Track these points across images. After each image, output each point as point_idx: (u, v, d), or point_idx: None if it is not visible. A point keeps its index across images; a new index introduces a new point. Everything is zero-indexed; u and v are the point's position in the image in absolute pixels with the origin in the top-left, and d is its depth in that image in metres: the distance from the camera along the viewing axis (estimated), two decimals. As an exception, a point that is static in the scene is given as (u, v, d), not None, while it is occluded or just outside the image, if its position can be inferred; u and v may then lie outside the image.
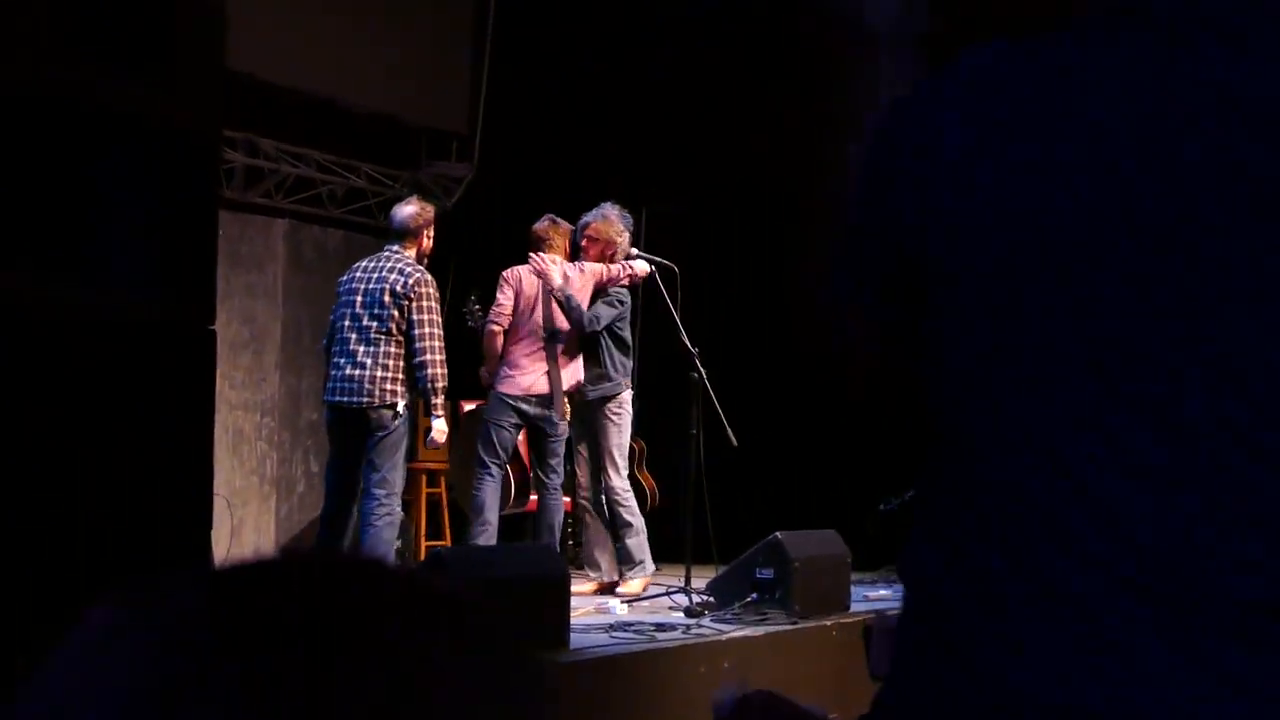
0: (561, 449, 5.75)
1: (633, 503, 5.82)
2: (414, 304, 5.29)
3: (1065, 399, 1.02)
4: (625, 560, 5.82)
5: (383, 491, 5.27)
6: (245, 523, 7.22)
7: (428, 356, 5.28)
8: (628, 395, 5.88)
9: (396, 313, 5.29)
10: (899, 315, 1.14)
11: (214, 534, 3.25)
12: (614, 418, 5.82)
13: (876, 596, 5.81)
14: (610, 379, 5.81)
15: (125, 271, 2.62)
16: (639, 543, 5.78)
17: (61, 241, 2.53)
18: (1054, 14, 1.14)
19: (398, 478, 5.36)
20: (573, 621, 4.21)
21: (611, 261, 5.85)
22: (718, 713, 1.23)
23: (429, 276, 5.45)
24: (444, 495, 7.23)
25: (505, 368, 5.67)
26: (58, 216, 2.53)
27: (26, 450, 2.29)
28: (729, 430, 5.74)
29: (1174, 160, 1.01)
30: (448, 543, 7.03)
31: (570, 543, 6.85)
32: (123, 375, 2.53)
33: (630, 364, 5.93)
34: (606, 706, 3.89)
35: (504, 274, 5.75)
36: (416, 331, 5.29)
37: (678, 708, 4.06)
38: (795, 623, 4.85)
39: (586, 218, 5.90)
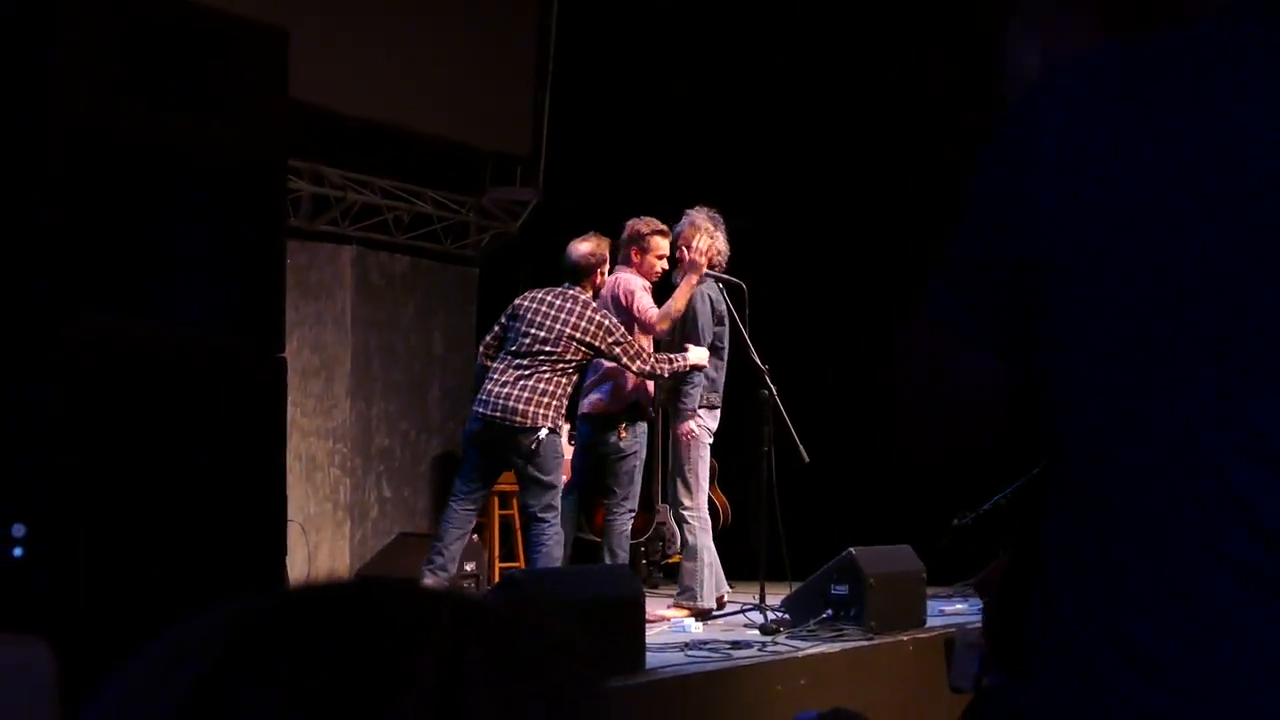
0: (622, 468, 5.70)
1: (699, 525, 5.78)
2: (602, 342, 5.46)
3: (1203, 391, 1.01)
4: (679, 583, 5.81)
5: (551, 514, 5.38)
6: (320, 548, 7.23)
7: (637, 367, 5.48)
8: (705, 414, 5.86)
9: (571, 352, 5.44)
10: (1007, 324, 1.12)
11: (289, 560, 3.31)
12: (684, 436, 5.83)
13: (953, 611, 5.76)
14: (680, 396, 5.82)
15: (198, 306, 2.74)
16: (693, 569, 5.71)
17: (138, 282, 2.63)
18: (1166, 12, 1.14)
19: (557, 497, 5.47)
20: (648, 641, 4.20)
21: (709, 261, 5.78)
22: None
23: (605, 320, 5.52)
24: (515, 517, 7.25)
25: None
26: (133, 257, 2.63)
27: (111, 481, 2.35)
28: (800, 447, 5.74)
29: None
30: (521, 565, 7.06)
31: (651, 559, 6.80)
32: (198, 406, 2.61)
33: (705, 381, 5.89)
34: (683, 726, 3.91)
35: (633, 281, 5.75)
36: (618, 362, 5.53)
37: (754, 726, 4.08)
38: (871, 639, 4.83)
39: (676, 228, 5.91)
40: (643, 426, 5.75)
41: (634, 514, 5.77)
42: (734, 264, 6.26)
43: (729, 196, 7.44)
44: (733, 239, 6.98)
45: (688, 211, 5.93)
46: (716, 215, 5.90)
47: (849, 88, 7.32)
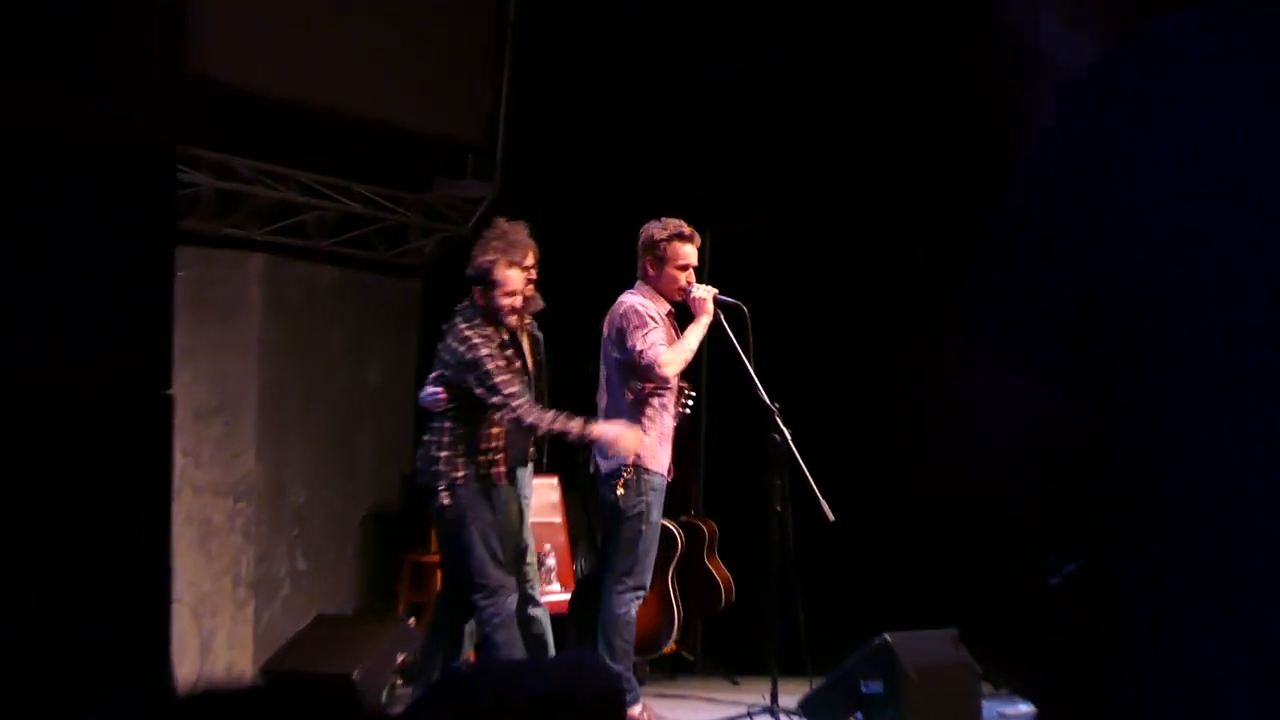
0: (623, 532, 5.74)
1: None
2: (468, 379, 5.59)
3: None
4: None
5: (483, 593, 5.59)
6: (216, 635, 7.20)
7: (501, 416, 5.59)
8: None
9: (450, 392, 5.66)
10: (1074, 351, 1.16)
11: (176, 652, 3.25)
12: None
13: (1015, 715, 5.69)
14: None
15: (59, 327, 2.69)
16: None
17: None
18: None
19: (489, 570, 5.61)
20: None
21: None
22: None
23: (470, 353, 5.62)
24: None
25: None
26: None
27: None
28: (823, 503, 5.72)
29: None
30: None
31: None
32: (56, 457, 2.55)
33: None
34: None
35: (638, 308, 5.78)
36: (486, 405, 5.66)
37: None
38: (912, 750, 4.82)
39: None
40: (654, 481, 5.75)
41: (642, 595, 5.75)
42: (733, 276, 6.27)
43: (726, 193, 7.52)
44: (733, 245, 6.96)
45: (498, 222, 5.96)
46: (517, 236, 5.88)
47: (849, 70, 7.39)
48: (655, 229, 5.88)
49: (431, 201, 8.19)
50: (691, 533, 6.71)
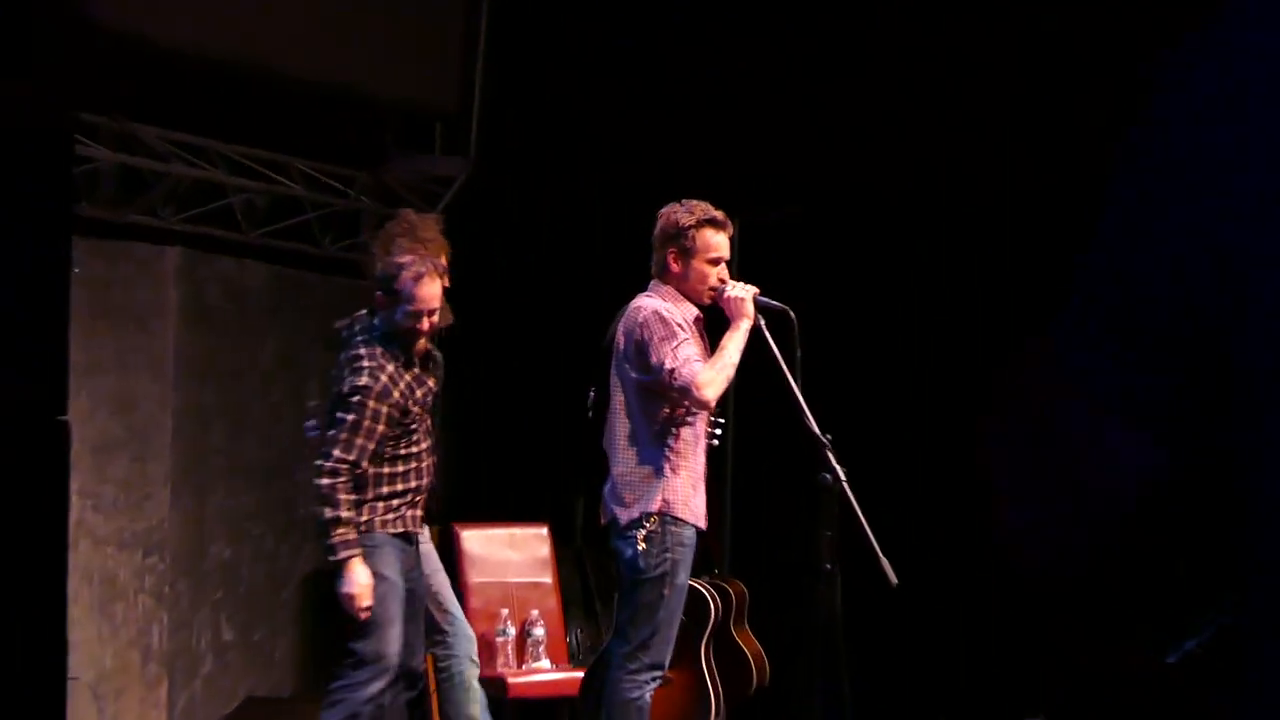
0: (639, 597, 5.71)
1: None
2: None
3: None
4: None
5: (348, 671, 5.59)
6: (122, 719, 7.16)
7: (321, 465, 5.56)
8: None
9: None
10: (1182, 402, 1.21)
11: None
12: None
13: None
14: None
15: None
16: None
17: None
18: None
19: (369, 643, 5.61)
20: None
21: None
22: None
23: (341, 384, 5.61)
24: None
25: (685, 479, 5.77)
26: None
27: None
28: (884, 563, 5.52)
29: None
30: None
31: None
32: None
33: None
34: None
35: (663, 314, 5.68)
36: None
37: None
38: None
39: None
40: (684, 534, 5.70)
41: (659, 677, 5.68)
42: (768, 275, 6.14)
43: (747, 176, 7.47)
44: (766, 237, 6.98)
45: (404, 215, 6.00)
46: (429, 234, 5.86)
47: (883, 36, 7.47)
48: (679, 214, 5.75)
49: (388, 182, 8.15)
50: (719, 598, 6.60)
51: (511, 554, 7.23)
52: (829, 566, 5.58)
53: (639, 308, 5.66)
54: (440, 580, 6.12)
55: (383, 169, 8.13)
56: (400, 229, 5.73)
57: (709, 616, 6.48)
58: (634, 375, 5.63)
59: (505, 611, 7.07)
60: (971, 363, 7.02)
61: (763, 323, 5.77)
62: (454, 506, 7.15)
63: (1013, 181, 6.97)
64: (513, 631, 7.02)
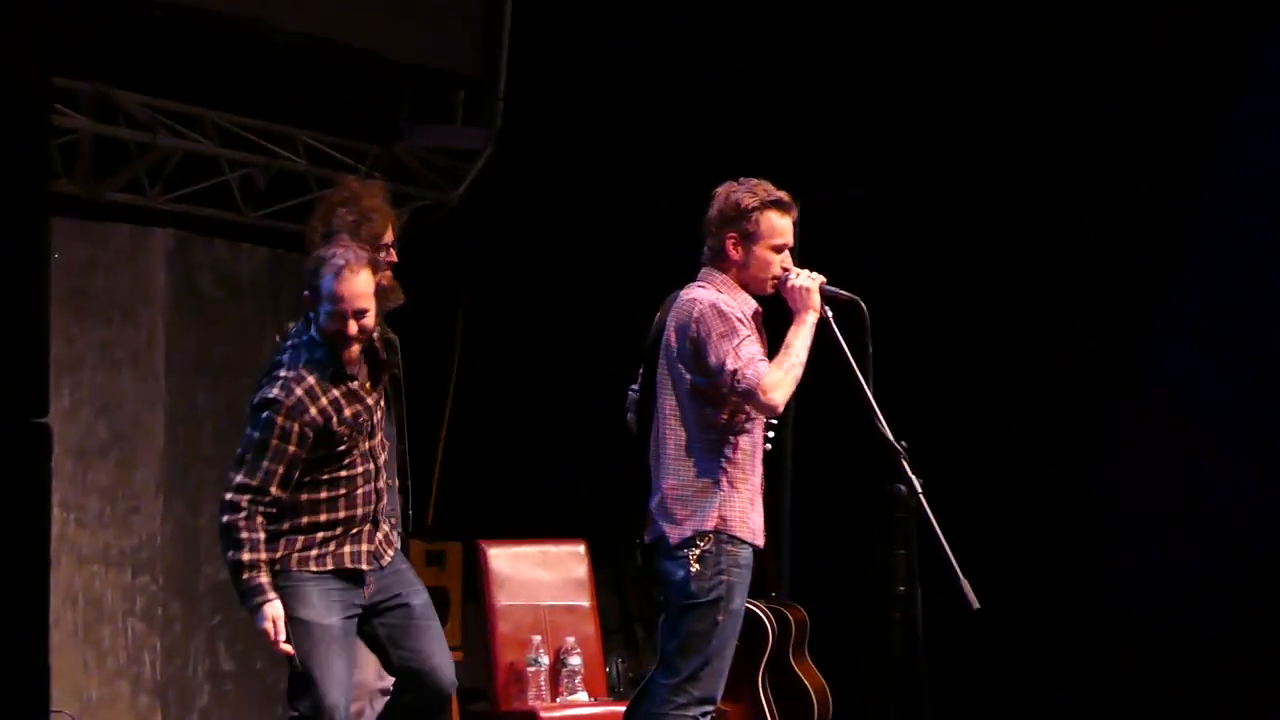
0: (687, 624, 5.59)
1: None
2: None
3: None
4: None
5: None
6: (108, 759, 7.25)
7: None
8: None
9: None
10: None
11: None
12: None
13: None
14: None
15: None
16: None
17: None
18: None
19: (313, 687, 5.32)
20: None
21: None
22: None
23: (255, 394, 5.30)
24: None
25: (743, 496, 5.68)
26: None
27: None
28: (964, 585, 5.46)
29: None
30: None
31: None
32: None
33: None
34: None
35: (721, 308, 5.56)
36: None
37: None
38: None
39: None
40: (741, 554, 5.54)
41: (710, 712, 5.56)
42: (832, 260, 6.03)
43: (812, 150, 7.45)
44: (830, 218, 7.00)
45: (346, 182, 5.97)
46: (373, 204, 5.73)
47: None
48: (740, 193, 5.57)
49: (403, 157, 8.22)
50: (776, 623, 6.72)
51: (544, 574, 7.23)
52: (904, 589, 5.52)
53: (693, 299, 5.54)
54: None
55: (396, 142, 8.14)
56: (341, 196, 5.53)
57: (766, 644, 6.66)
58: (688, 377, 5.52)
59: (537, 639, 7.07)
60: (1062, 366, 7.27)
61: (830, 315, 5.65)
62: (475, 521, 7.29)
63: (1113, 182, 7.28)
64: (546, 661, 7.02)
